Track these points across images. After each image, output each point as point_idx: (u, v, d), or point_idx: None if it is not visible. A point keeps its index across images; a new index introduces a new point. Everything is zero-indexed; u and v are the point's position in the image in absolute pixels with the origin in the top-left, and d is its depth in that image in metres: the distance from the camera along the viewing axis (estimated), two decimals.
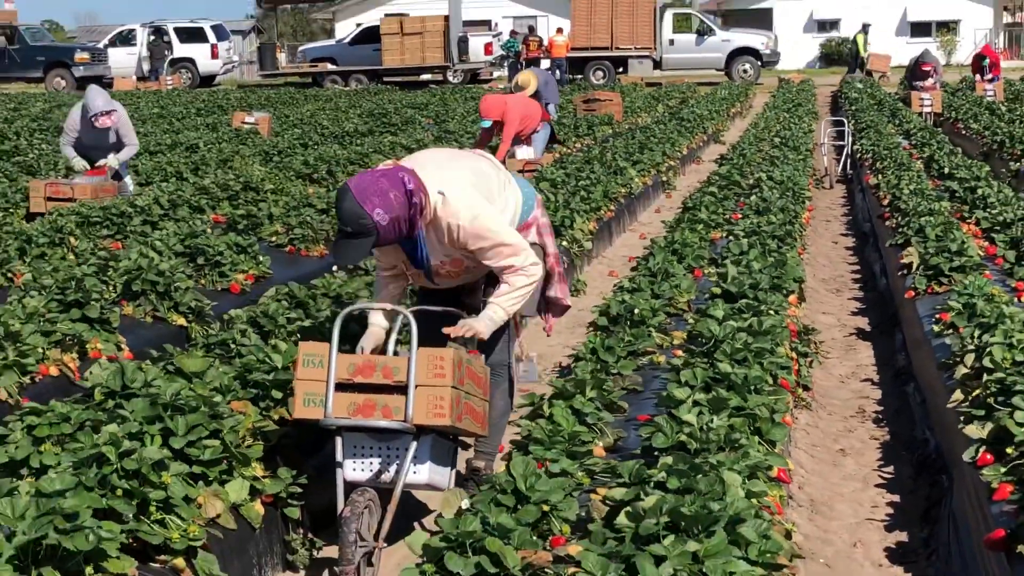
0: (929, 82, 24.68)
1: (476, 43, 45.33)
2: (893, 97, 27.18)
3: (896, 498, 5.68)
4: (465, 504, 4.12)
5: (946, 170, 13.20)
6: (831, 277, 10.82)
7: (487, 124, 14.04)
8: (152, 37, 46.24)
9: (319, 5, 66.06)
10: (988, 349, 5.66)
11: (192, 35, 46.93)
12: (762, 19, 54.89)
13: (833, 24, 57.06)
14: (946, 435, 5.68)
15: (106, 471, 4.05)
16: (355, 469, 4.80)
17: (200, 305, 7.75)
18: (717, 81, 39.64)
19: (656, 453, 4.39)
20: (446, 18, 42.97)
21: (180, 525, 4.13)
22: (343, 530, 4.50)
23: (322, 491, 4.98)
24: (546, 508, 4.04)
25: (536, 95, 16.13)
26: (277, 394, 5.21)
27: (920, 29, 54.65)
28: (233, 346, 6.05)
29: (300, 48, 50.83)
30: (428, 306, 5.30)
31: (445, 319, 5.11)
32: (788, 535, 4.11)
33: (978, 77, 27.46)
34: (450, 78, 43.23)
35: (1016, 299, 7.36)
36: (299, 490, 4.87)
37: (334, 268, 8.34)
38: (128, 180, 12.69)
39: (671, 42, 43.19)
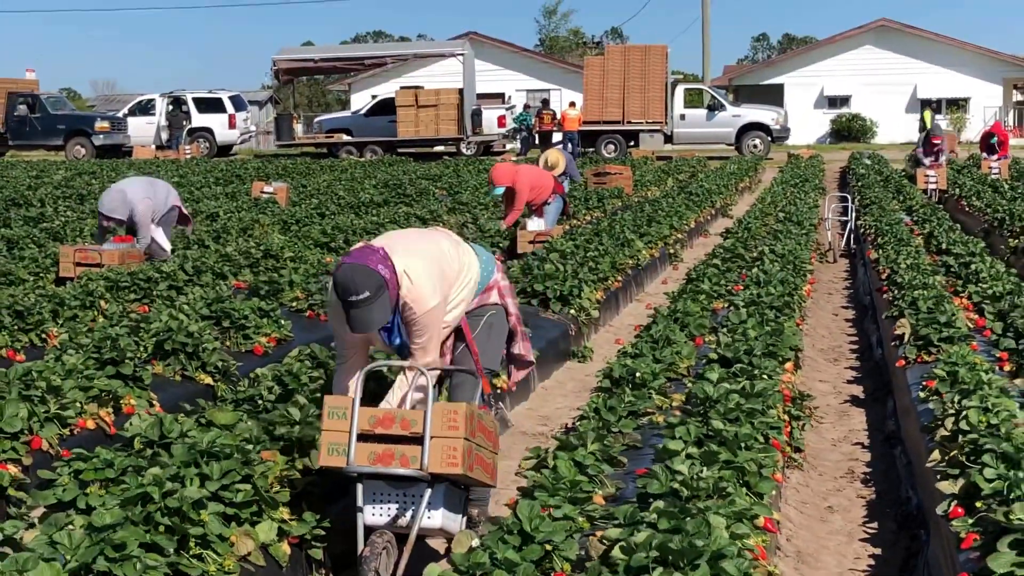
0: (934, 159, 25.24)
1: (489, 116, 46.04)
2: (899, 174, 27.67)
3: (878, 551, 6.07)
4: (475, 543, 4.53)
5: (944, 246, 13.65)
6: (830, 347, 11.22)
7: (499, 191, 14.60)
8: (171, 107, 46.99)
9: (334, 77, 67.04)
10: (965, 413, 6.08)
11: (210, 105, 47.64)
12: (773, 95, 55.69)
13: (843, 100, 57.89)
14: (926, 493, 6.07)
15: (150, 509, 4.47)
16: (374, 514, 5.20)
17: (226, 365, 8.19)
18: (727, 156, 40.25)
19: (650, 499, 4.79)
20: (460, 91, 43.61)
21: (217, 560, 4.55)
22: (363, 568, 4.90)
23: (343, 535, 5.39)
24: (549, 548, 4.45)
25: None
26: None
27: (930, 106, 55.26)
28: (260, 402, 6.48)
29: (316, 119, 51.52)
30: (444, 367, 5.74)
31: None
32: None
33: (985, 155, 27.93)
34: (463, 150, 43.84)
35: (999, 368, 7.79)
36: (323, 533, 5.27)
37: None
38: (160, 238, 13.09)
39: (682, 117, 43.82)
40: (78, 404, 6.75)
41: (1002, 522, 4.53)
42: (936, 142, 25.66)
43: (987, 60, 56.92)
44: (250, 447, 5.23)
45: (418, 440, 5.04)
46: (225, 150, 47.47)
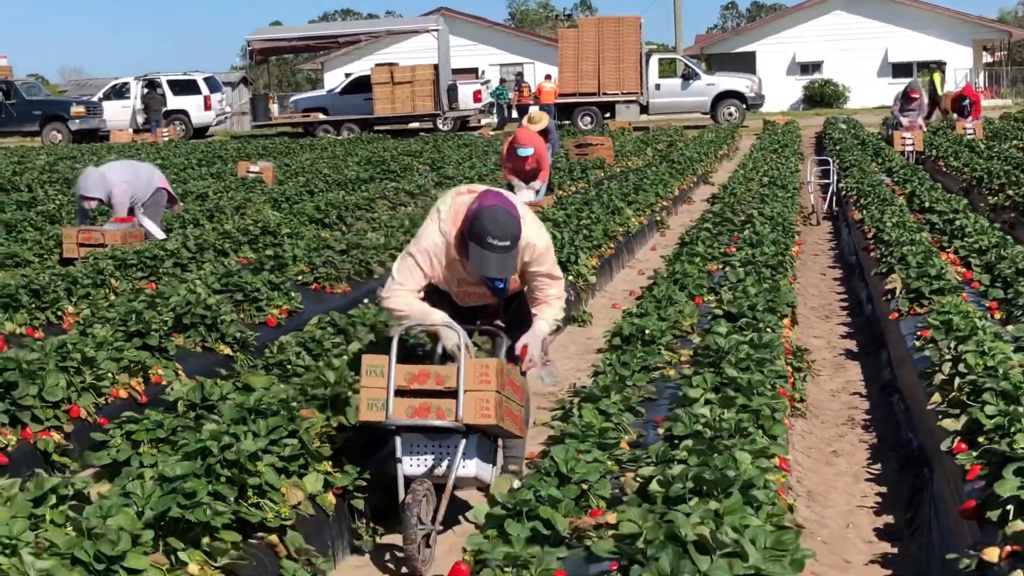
0: (908, 121, 25.46)
1: (465, 91, 46.16)
2: (876, 137, 27.98)
3: (883, 489, 6.40)
4: (516, 484, 4.83)
5: (927, 204, 14.00)
6: (820, 305, 11.55)
7: (529, 152, 14.87)
8: (146, 90, 46.95)
9: (307, 56, 67.05)
10: (963, 356, 6.41)
11: (185, 87, 47.61)
12: (745, 62, 55.94)
13: (816, 66, 58.10)
14: (926, 434, 6.40)
15: (211, 461, 4.75)
16: (412, 465, 5.50)
17: (244, 336, 8.47)
18: (703, 124, 40.51)
19: (676, 440, 5.10)
20: (435, 67, 43.77)
21: (273, 507, 4.84)
22: (406, 514, 5.19)
23: (380, 489, 5.69)
24: (584, 487, 4.76)
25: (544, 135, 17.05)
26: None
27: (901, 70, 55.62)
28: (289, 367, 6.76)
29: (291, 98, 51.48)
30: (469, 325, 6.01)
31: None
32: (791, 509, 4.81)
33: (956, 116, 28.23)
34: (440, 125, 44.01)
35: (989, 316, 8.12)
36: (364, 484, 5.56)
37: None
38: (152, 227, 13.25)
39: (657, 87, 44.07)
40: (110, 375, 7.02)
41: (1006, 452, 4.84)
42: (914, 96, 25.83)
43: (957, 22, 57.30)
44: (294, 404, 5.51)
45: (452, 394, 5.33)
46: (201, 132, 47.47)
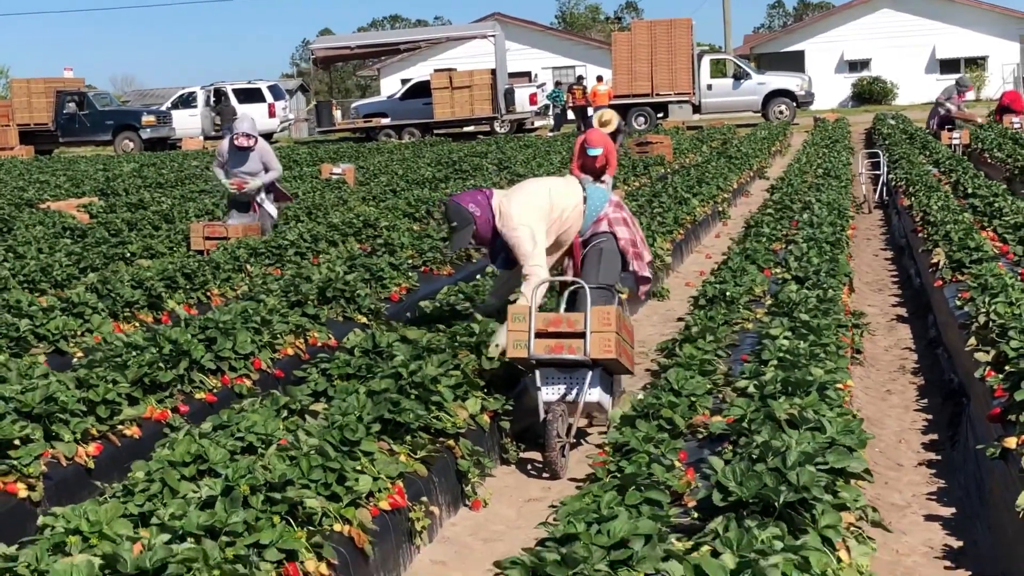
0: (953, 108, 26.49)
1: (521, 94, 47.54)
2: (923, 132, 29.08)
3: (929, 417, 7.72)
4: (639, 396, 6.19)
5: (969, 190, 15.26)
6: (874, 280, 12.85)
7: (598, 151, 16.13)
8: (213, 99, 48.58)
9: (368, 62, 68.71)
10: (994, 307, 7.72)
11: (250, 95, 49.13)
12: (794, 61, 57.08)
13: (864, 64, 59.10)
14: (965, 373, 7.71)
15: (402, 383, 6.14)
16: (549, 392, 6.86)
17: (377, 307, 9.87)
18: (754, 123, 41.64)
19: (763, 363, 6.46)
20: (493, 71, 45.13)
21: (450, 419, 6.22)
22: (547, 429, 6.57)
23: (518, 416, 7.08)
24: (693, 399, 6.11)
25: (614, 136, 18.32)
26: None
27: (949, 66, 56.63)
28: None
29: (353, 105, 53.04)
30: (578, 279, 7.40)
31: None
32: (853, 416, 6.14)
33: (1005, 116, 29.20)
34: (497, 128, 45.32)
35: (1020, 279, 9.41)
36: (510, 409, 6.94)
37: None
38: (269, 207, 14.67)
39: (709, 87, 45.28)
40: (281, 335, 8.43)
41: None
42: (969, 89, 26.78)
43: (1003, 18, 58.20)
44: (456, 344, 6.91)
45: (581, 335, 6.70)
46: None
